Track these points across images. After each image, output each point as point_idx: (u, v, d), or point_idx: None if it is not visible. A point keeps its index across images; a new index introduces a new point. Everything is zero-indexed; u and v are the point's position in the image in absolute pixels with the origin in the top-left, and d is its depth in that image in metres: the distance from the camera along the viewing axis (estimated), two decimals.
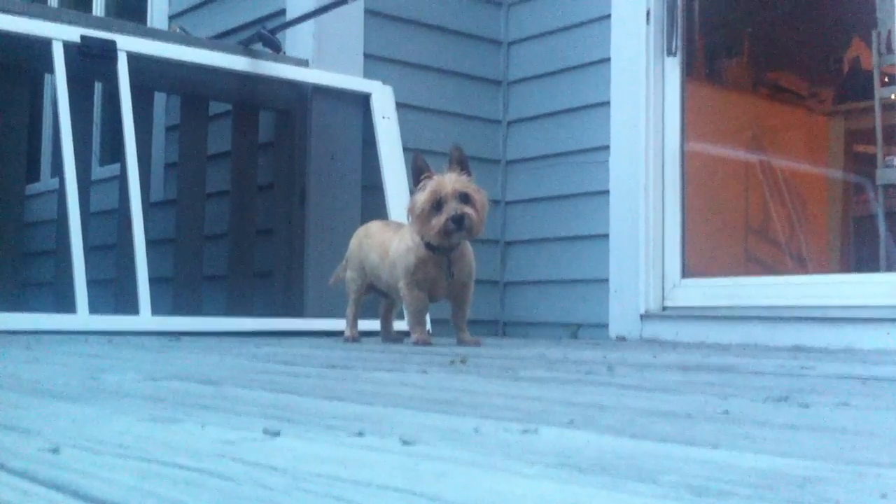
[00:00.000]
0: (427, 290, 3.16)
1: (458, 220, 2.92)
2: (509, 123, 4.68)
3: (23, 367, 1.79)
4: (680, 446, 0.88)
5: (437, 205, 2.95)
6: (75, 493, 0.63)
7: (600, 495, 0.65)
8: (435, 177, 2.99)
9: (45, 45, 3.61)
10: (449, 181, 2.96)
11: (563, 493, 0.66)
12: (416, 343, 3.11)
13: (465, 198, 2.96)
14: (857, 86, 5.36)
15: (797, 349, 3.20)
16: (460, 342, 3.17)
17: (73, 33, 3.65)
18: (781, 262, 5.34)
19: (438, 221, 2.94)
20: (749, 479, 0.71)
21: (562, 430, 0.98)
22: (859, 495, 0.67)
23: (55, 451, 0.79)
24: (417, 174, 3.03)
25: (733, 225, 5.24)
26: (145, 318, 3.51)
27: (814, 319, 3.49)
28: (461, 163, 3.03)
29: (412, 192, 3.07)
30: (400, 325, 3.68)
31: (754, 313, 3.71)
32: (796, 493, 0.67)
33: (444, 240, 2.98)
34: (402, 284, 3.13)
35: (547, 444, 0.87)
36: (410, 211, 3.04)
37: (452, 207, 2.93)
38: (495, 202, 4.64)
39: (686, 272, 4.09)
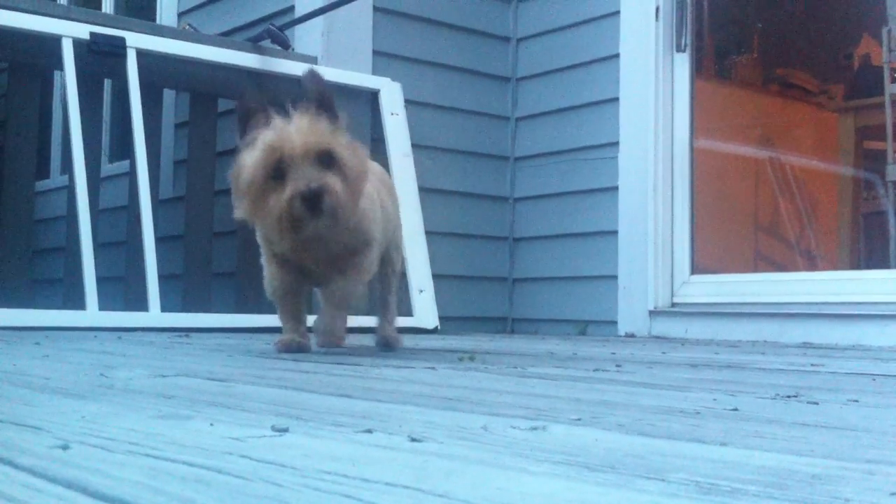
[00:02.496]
0: (296, 266, 2.19)
1: (313, 199, 1.90)
2: (518, 120, 4.68)
3: (32, 363, 1.80)
4: (689, 444, 0.88)
5: (276, 172, 1.93)
6: (84, 490, 0.63)
7: (609, 493, 0.65)
8: (275, 122, 1.96)
9: (54, 42, 3.62)
10: (298, 131, 1.94)
11: (571, 490, 0.66)
12: (277, 349, 2.23)
13: (326, 160, 1.95)
14: (867, 82, 5.33)
15: (807, 346, 3.19)
16: (322, 342, 2.28)
17: (83, 30, 3.66)
18: (791, 258, 5.32)
19: (278, 202, 1.92)
20: (758, 477, 0.71)
21: (570, 427, 0.98)
22: (869, 493, 0.67)
23: (65, 448, 0.79)
24: (245, 119, 2.02)
25: (743, 222, 5.23)
26: (154, 315, 3.52)
27: (823, 316, 3.48)
28: (322, 100, 2.01)
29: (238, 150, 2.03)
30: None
31: (764, 310, 3.70)
32: (806, 491, 0.66)
33: (289, 233, 1.97)
34: (262, 259, 2.28)
35: (555, 442, 0.87)
36: (233, 183, 2.02)
37: (303, 177, 1.91)
38: (504, 199, 4.65)
39: (695, 269, 4.08)
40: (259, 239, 2.24)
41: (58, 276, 4.22)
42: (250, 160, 1.95)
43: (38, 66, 3.87)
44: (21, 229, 3.74)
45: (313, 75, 2.07)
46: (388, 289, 2.58)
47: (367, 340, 2.63)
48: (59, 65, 3.64)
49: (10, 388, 1.33)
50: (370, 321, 2.63)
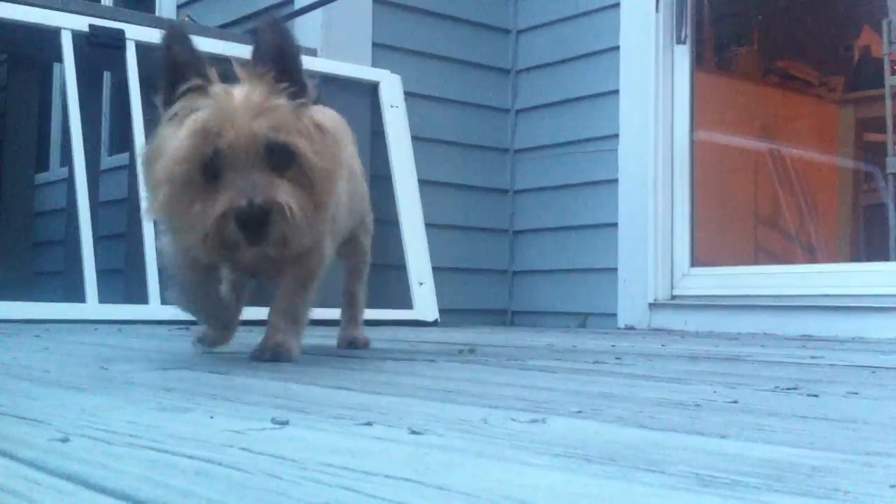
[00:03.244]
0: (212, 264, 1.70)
1: (255, 222, 1.44)
2: (518, 112, 4.67)
3: (32, 356, 1.80)
4: (688, 436, 0.88)
5: (207, 169, 1.46)
6: (85, 483, 0.63)
7: (608, 485, 0.65)
8: (214, 90, 1.49)
9: (53, 34, 3.61)
10: (244, 111, 1.46)
11: (571, 482, 0.66)
12: (200, 342, 1.89)
13: (281, 157, 1.47)
14: (867, 74, 5.33)
15: (806, 338, 3.19)
16: (263, 349, 1.70)
17: (82, 23, 3.65)
18: (791, 251, 5.32)
19: (204, 216, 1.45)
20: (758, 469, 0.71)
21: (570, 420, 0.98)
22: (868, 485, 0.67)
23: (65, 440, 0.79)
24: (172, 74, 1.53)
25: (743, 214, 5.22)
26: (155, 308, 3.52)
27: (823, 309, 3.48)
28: (283, 61, 1.53)
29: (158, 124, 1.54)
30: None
31: (763, 302, 3.70)
32: (806, 483, 0.66)
33: (216, 255, 1.54)
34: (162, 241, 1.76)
35: (555, 434, 0.87)
36: (146, 167, 1.54)
37: (244, 185, 1.44)
38: (504, 192, 4.64)
39: (695, 261, 4.08)
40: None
41: (58, 269, 4.22)
42: (173, 146, 1.45)
43: (37, 59, 3.87)
44: (21, 222, 3.74)
45: (272, 25, 1.56)
46: (357, 280, 2.18)
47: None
48: (59, 57, 3.64)
49: (10, 380, 1.34)
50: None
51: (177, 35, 1.58)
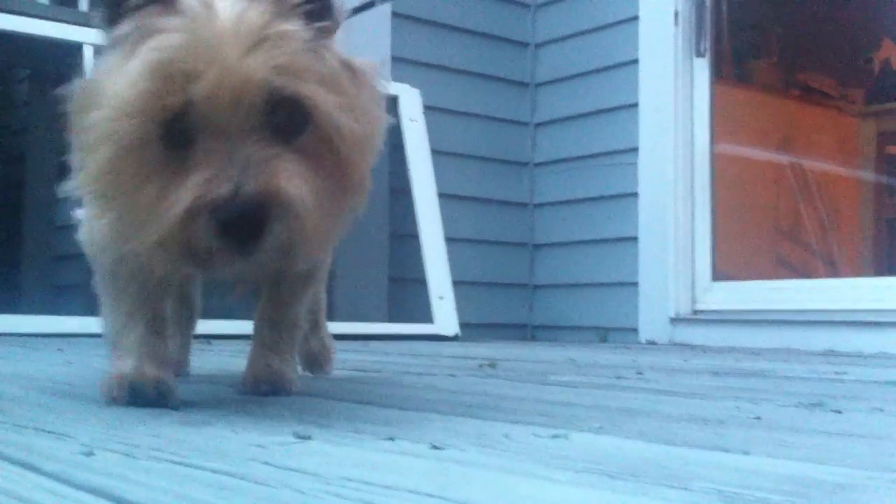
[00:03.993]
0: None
1: (245, 222, 0.94)
2: (537, 125, 4.67)
3: (55, 369, 1.81)
4: (711, 452, 0.87)
5: (173, 132, 0.96)
6: (109, 496, 0.64)
7: (631, 501, 0.65)
8: (187, 3, 0.97)
9: (75, 49, 3.64)
10: (234, 36, 0.95)
11: (593, 498, 0.66)
12: (106, 392, 1.16)
13: (287, 116, 0.97)
14: (888, 87, 5.31)
15: (830, 354, 3.16)
16: (257, 379, 1.33)
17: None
18: (812, 265, 5.29)
19: (167, 210, 0.95)
20: (781, 486, 0.71)
21: (592, 435, 0.98)
22: (893, 502, 0.66)
23: (89, 454, 0.79)
24: None
25: (764, 228, 5.20)
26: None
27: (847, 323, 3.46)
28: None
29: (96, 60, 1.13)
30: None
31: (786, 317, 3.67)
32: (830, 500, 0.66)
33: (184, 266, 1.02)
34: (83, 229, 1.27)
35: (577, 450, 0.87)
36: (77, 120, 1.03)
37: (231, 159, 0.94)
38: (523, 205, 4.64)
39: (716, 275, 4.06)
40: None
41: (80, 282, 4.25)
42: (119, 88, 0.96)
43: (58, 74, 3.90)
44: (43, 236, 3.77)
45: None
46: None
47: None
48: (80, 72, 3.67)
49: (34, 394, 1.34)
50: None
51: None
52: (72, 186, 1.07)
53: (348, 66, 1.05)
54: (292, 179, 0.96)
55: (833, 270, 5.29)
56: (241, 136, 0.95)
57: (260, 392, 1.30)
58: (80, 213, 1.23)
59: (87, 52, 3.63)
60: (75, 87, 1.06)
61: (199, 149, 0.96)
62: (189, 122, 0.96)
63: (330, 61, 1.02)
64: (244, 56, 0.95)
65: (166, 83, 0.95)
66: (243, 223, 0.94)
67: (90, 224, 1.20)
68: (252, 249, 0.96)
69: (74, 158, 1.05)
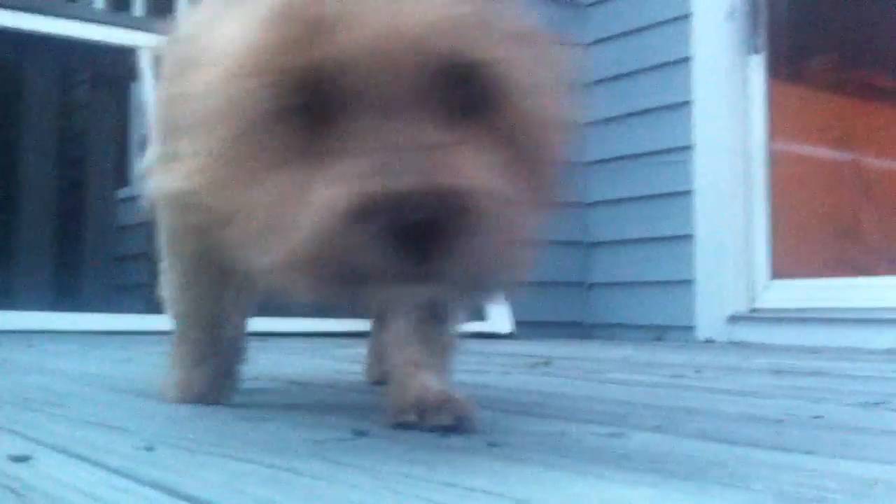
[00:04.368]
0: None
1: (432, 229, 0.65)
2: (589, 124, 4.65)
3: (117, 367, 1.84)
4: (771, 452, 0.86)
5: (312, 105, 0.67)
6: (170, 491, 0.65)
7: (690, 500, 0.64)
8: None
9: (132, 53, 3.71)
10: None
11: (652, 498, 0.65)
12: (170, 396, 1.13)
13: (471, 91, 0.70)
14: None
15: (892, 353, 3.10)
16: (424, 408, 0.96)
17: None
18: (873, 263, 5.19)
19: (312, 213, 0.66)
20: (844, 485, 0.69)
21: (649, 434, 0.97)
22: None
23: (150, 449, 0.81)
24: None
25: (822, 225, 5.11)
26: None
27: None
28: None
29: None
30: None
31: (847, 315, 3.61)
32: (892, 499, 0.65)
33: (338, 289, 0.70)
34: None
35: (634, 449, 0.86)
36: (170, 93, 0.86)
37: (401, 144, 0.65)
38: (577, 204, 4.62)
39: (775, 273, 4.00)
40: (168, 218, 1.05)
41: (140, 282, 4.31)
42: (230, 41, 0.71)
43: (116, 78, 3.98)
44: (104, 236, 3.84)
45: None
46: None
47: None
48: (136, 75, 3.73)
49: (96, 391, 1.37)
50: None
51: None
52: (168, 184, 0.84)
53: (531, 38, 0.83)
54: (485, 173, 0.70)
55: (893, 268, 5.19)
56: (409, 113, 0.68)
57: (441, 423, 0.93)
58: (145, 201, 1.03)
59: (143, 56, 3.69)
60: (167, 44, 0.85)
61: (351, 126, 0.68)
62: (334, 89, 0.68)
63: (512, 29, 0.78)
64: (410, 9, 0.68)
65: (307, 30, 0.67)
66: (430, 232, 0.66)
67: (168, 213, 1.02)
68: (440, 268, 0.68)
69: (163, 141, 0.87)
